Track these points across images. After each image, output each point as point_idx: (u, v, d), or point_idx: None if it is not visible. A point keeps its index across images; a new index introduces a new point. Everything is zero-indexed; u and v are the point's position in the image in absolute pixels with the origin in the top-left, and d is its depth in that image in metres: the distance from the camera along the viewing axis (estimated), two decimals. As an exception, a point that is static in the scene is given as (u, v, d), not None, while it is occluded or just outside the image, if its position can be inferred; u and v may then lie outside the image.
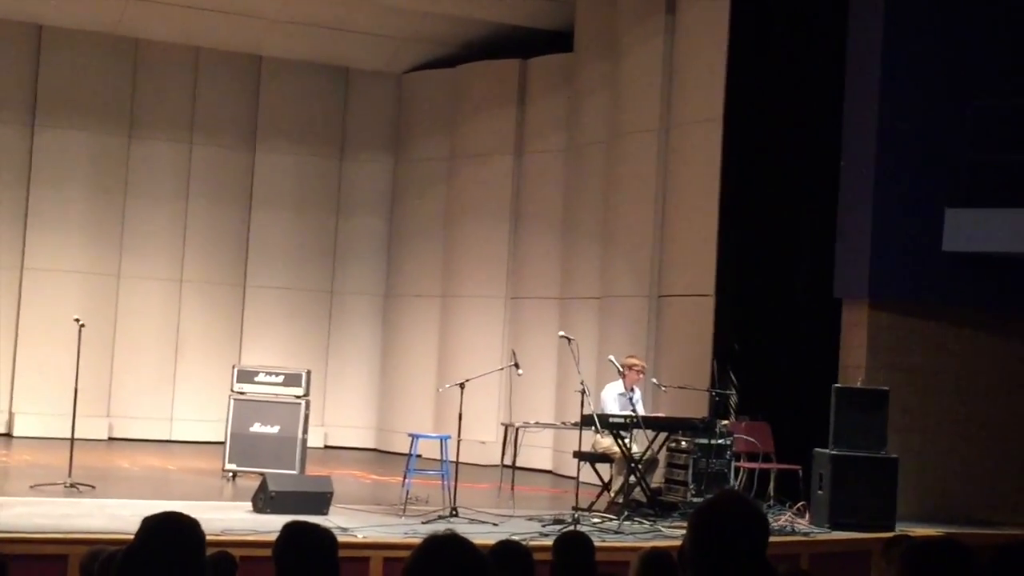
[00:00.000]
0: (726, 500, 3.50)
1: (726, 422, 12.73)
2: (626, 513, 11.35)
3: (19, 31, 17.72)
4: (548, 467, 16.44)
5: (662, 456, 12.72)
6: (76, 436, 12.40)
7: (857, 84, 13.16)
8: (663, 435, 12.46)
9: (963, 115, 12.91)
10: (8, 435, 17.35)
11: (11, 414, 17.53)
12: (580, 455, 12.13)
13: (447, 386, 13.03)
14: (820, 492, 11.98)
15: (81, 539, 8.67)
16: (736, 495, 3.59)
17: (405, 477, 11.99)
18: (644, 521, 11.30)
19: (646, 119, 15.30)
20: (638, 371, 12.74)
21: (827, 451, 12.01)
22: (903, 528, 11.39)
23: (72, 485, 11.81)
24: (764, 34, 14.16)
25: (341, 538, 4.70)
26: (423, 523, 10.69)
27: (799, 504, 12.16)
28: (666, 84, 15.14)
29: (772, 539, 10.83)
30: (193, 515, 3.83)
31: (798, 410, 13.18)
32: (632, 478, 11.96)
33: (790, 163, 14.06)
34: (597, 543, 6.80)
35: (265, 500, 10.82)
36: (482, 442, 15.89)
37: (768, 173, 14.09)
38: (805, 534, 11.39)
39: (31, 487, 11.76)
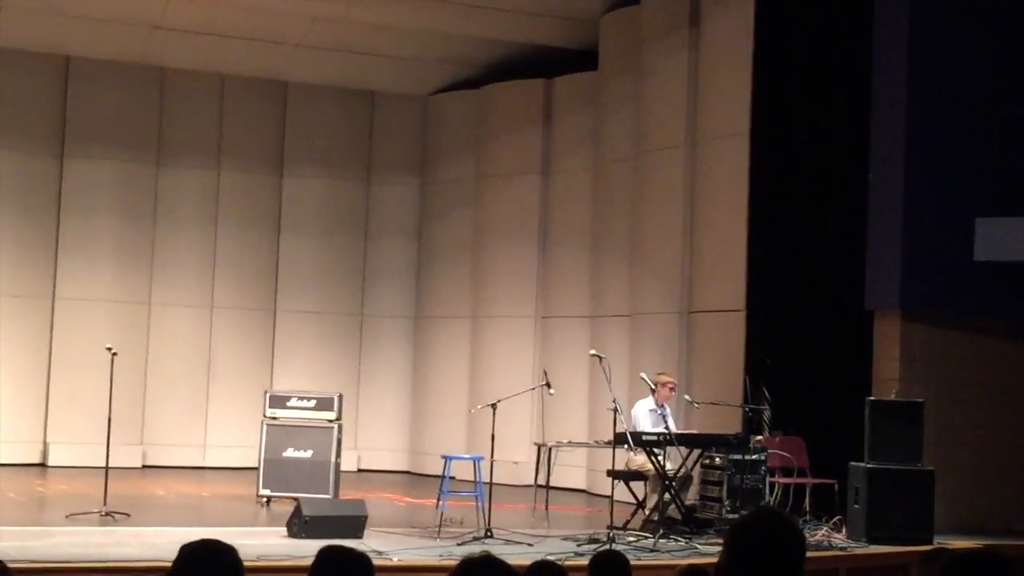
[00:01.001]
0: (762, 517, 3.47)
1: (760, 437, 12.68)
2: (661, 531, 11.30)
3: (47, 63, 17.84)
4: (582, 486, 16.40)
5: (696, 473, 12.68)
6: (110, 465, 12.42)
7: (884, 95, 13.11)
8: (697, 452, 12.41)
9: (992, 124, 12.86)
10: (43, 465, 17.40)
11: (45, 444, 17.59)
12: (614, 473, 12.10)
13: (479, 407, 13.02)
14: (856, 506, 11.91)
15: (117, 567, 8.69)
16: (772, 511, 3.57)
17: (439, 499, 11.96)
18: (680, 538, 11.25)
19: (672, 135, 15.28)
20: (670, 388, 12.70)
21: (862, 465, 11.94)
22: (941, 541, 11.31)
23: (107, 514, 11.84)
24: (789, 46, 14.13)
25: (377, 562, 4.69)
26: (458, 545, 10.67)
27: (835, 519, 12.09)
28: (691, 99, 15.11)
29: (809, 555, 10.74)
30: (228, 541, 3.82)
31: (832, 424, 13.11)
32: (667, 495, 11.91)
33: (818, 175, 14.01)
34: (633, 561, 6.77)
35: (300, 525, 10.82)
36: (515, 462, 15.86)
37: (796, 186, 14.04)
38: (842, 549, 11.31)
39: (67, 516, 11.79)
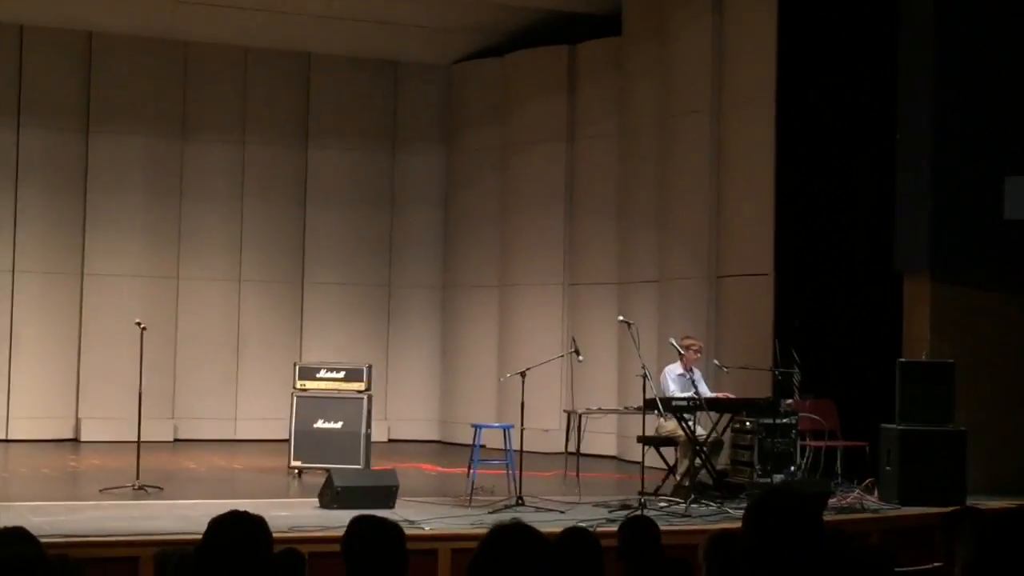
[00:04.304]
0: (777, 498, 3.51)
1: (790, 401, 12.64)
2: (693, 496, 11.30)
3: (70, 39, 17.85)
4: (612, 453, 16.39)
5: (727, 437, 12.65)
6: (142, 439, 12.48)
7: (911, 54, 13.01)
8: (727, 416, 12.39)
9: (1020, 80, 12.74)
10: (76, 440, 17.50)
11: (78, 419, 17.69)
12: (644, 439, 12.08)
13: (508, 375, 13.02)
14: (888, 468, 11.88)
15: (151, 541, 8.73)
16: (788, 491, 3.60)
17: (470, 468, 11.98)
18: (711, 503, 11.25)
19: (698, 100, 15.21)
20: (695, 351, 12.66)
21: (894, 426, 11.91)
22: (973, 501, 11.26)
23: (140, 487, 11.89)
24: (814, 7, 14.02)
25: (408, 531, 4.69)
26: (489, 513, 10.68)
27: (867, 481, 12.06)
28: (717, 63, 15.03)
29: (842, 517, 10.67)
30: (261, 513, 3.83)
31: (862, 386, 13.07)
32: (697, 461, 11.90)
33: (845, 137, 13.93)
34: (665, 527, 6.78)
35: (331, 496, 10.85)
36: (545, 430, 15.86)
37: (823, 148, 13.96)
38: (875, 511, 11.30)
39: (100, 491, 11.84)
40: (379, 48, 18.94)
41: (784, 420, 12.27)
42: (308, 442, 13.67)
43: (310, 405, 13.81)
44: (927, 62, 12.82)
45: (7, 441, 17.19)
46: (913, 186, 12.90)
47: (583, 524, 7.28)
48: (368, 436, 13.78)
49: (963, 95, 12.75)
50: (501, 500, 11.38)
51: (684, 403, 11.85)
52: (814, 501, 3.63)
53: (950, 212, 12.70)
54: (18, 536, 5.13)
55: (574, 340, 12.95)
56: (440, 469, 15.17)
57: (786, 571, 3.37)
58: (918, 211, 12.82)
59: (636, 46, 16.64)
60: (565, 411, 13.83)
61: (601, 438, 15.83)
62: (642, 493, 11.36)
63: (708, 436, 12.23)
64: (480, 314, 18.66)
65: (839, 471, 12.69)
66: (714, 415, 12.34)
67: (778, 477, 12.04)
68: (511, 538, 3.41)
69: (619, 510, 10.80)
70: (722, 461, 12.67)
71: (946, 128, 12.71)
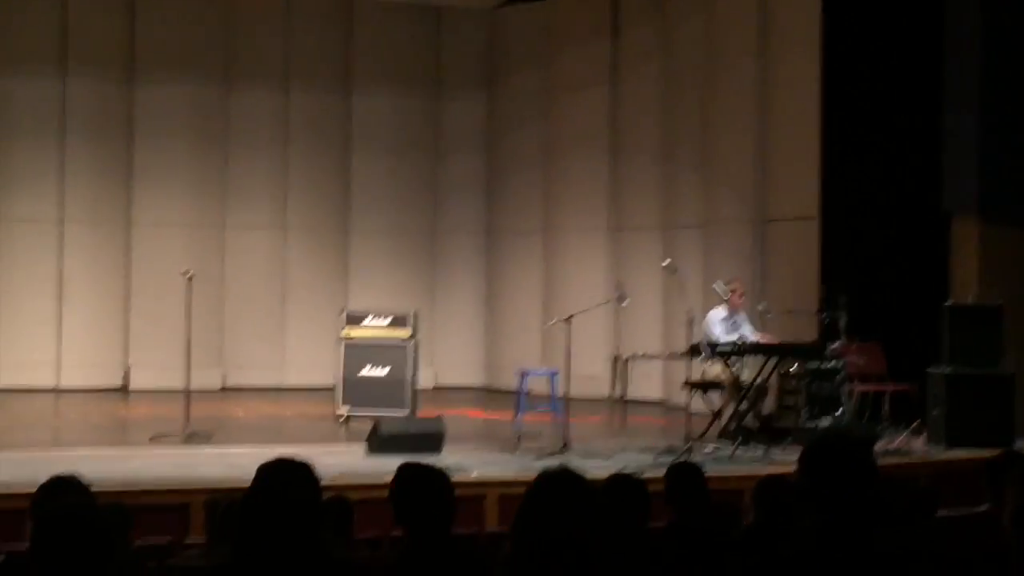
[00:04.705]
0: (833, 441, 3.51)
1: (836, 345, 12.59)
2: (739, 440, 11.29)
3: (113, -12, 17.90)
4: (658, 397, 16.39)
5: (773, 382, 12.62)
6: (191, 387, 12.57)
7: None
8: (773, 360, 12.35)
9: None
10: (125, 389, 17.64)
11: (127, 368, 17.83)
12: (690, 384, 12.08)
13: (554, 321, 13.02)
14: (935, 412, 11.83)
15: (201, 488, 8.81)
16: (842, 434, 3.64)
17: (516, 414, 12.01)
18: (758, 447, 11.24)
19: (743, 42, 15.08)
20: (739, 295, 12.65)
21: (941, 370, 11.84)
22: (1022, 444, 11.21)
23: (190, 435, 11.99)
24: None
25: (455, 477, 4.71)
26: (536, 459, 10.71)
27: (915, 424, 12.01)
28: (762, 4, 14.90)
29: (889, 461, 10.62)
30: (309, 459, 3.85)
31: (910, 329, 13.00)
32: (743, 405, 11.89)
33: (892, 77, 13.78)
34: (711, 472, 6.77)
35: (378, 442, 10.91)
36: (591, 376, 15.88)
37: (870, 89, 13.82)
38: (922, 454, 11.26)
39: (150, 439, 11.96)
40: (421, -7, 18.86)
41: (831, 364, 12.23)
42: (355, 389, 13.73)
43: (357, 352, 13.87)
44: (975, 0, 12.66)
45: (58, 390, 17.35)
46: (961, 127, 12.78)
47: (629, 469, 7.30)
48: (415, 382, 13.83)
49: (1012, 34, 12.59)
50: (547, 446, 11.41)
51: (729, 347, 11.83)
52: (869, 445, 3.64)
53: (998, 153, 12.58)
54: (70, 485, 5.19)
55: (619, 284, 12.93)
56: (486, 415, 15.23)
57: (838, 513, 3.38)
58: (966, 152, 12.70)
59: (680, -12, 16.51)
60: (611, 356, 13.83)
61: (647, 383, 15.84)
62: (688, 438, 11.36)
63: (754, 380, 12.21)
64: (524, 259, 18.64)
65: (886, 414, 12.64)
66: (760, 359, 12.31)
67: (825, 421, 12.02)
68: (559, 484, 3.43)
69: (665, 455, 10.81)
70: (768, 405, 12.66)
71: (995, 67, 12.57)
